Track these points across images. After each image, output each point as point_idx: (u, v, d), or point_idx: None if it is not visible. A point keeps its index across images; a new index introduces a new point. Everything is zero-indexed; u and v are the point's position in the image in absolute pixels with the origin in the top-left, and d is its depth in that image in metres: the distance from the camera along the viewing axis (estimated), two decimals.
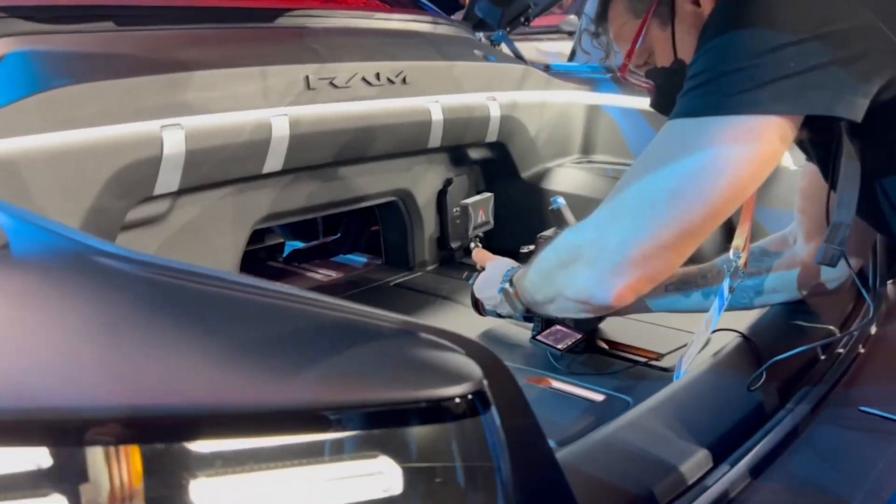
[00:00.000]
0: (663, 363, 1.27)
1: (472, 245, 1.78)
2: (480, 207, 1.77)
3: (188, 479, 0.49)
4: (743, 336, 1.14)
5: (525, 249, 1.35)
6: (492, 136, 1.79)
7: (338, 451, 0.51)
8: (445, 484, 0.53)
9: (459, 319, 1.52)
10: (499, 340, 1.40)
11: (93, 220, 1.11)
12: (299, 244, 2.13)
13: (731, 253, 1.15)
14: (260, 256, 2.02)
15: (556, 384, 1.22)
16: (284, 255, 2.08)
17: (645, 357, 1.30)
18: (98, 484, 0.48)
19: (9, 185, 1.01)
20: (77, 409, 0.46)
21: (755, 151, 0.85)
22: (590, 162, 2.00)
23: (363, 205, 1.68)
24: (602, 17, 1.08)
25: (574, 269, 0.96)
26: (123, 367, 0.48)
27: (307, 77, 1.34)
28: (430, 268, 1.82)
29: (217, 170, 1.28)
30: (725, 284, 1.13)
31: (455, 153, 1.82)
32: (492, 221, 1.80)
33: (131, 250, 0.54)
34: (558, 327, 1.31)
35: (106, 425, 0.46)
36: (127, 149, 1.12)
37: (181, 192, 1.26)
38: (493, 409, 0.52)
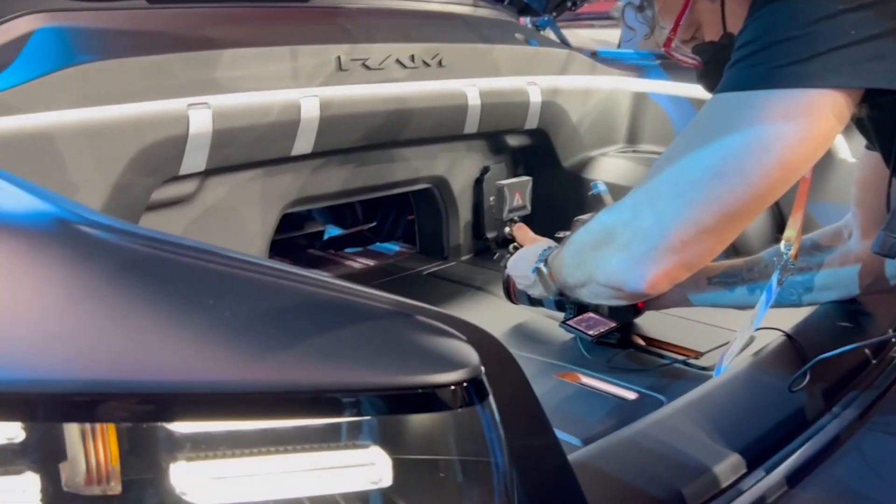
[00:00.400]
0: (702, 362, 1.21)
1: (507, 229, 1.73)
2: (517, 190, 1.71)
3: (168, 462, 0.46)
4: (786, 335, 1.07)
5: (561, 234, 1.30)
6: (532, 123, 1.74)
7: (325, 439, 0.48)
8: (439, 478, 0.49)
9: (491, 311, 1.47)
10: (529, 332, 1.35)
11: (117, 197, 1.10)
12: (338, 230, 2.13)
13: (781, 244, 1.08)
14: (300, 243, 2.01)
15: (587, 380, 1.16)
16: (324, 239, 2.07)
17: (683, 355, 1.23)
18: (73, 462, 0.46)
19: (32, 160, 1.01)
20: (51, 382, 0.43)
21: (806, 129, 0.78)
22: (635, 152, 1.93)
23: (396, 191, 1.65)
24: None
25: (606, 252, 0.91)
26: (100, 341, 0.45)
27: (339, 58, 1.31)
28: (464, 257, 1.78)
29: (245, 150, 1.26)
30: (774, 278, 1.06)
31: (493, 140, 1.77)
32: (528, 206, 1.74)
33: (114, 218, 0.52)
34: (591, 315, 1.26)
35: (80, 402, 0.44)
36: (152, 127, 1.11)
37: (209, 173, 1.25)
38: (491, 400, 0.48)
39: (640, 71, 1.95)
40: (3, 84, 0.99)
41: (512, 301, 1.32)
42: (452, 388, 0.46)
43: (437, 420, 0.47)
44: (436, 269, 1.73)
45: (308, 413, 0.45)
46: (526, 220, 1.76)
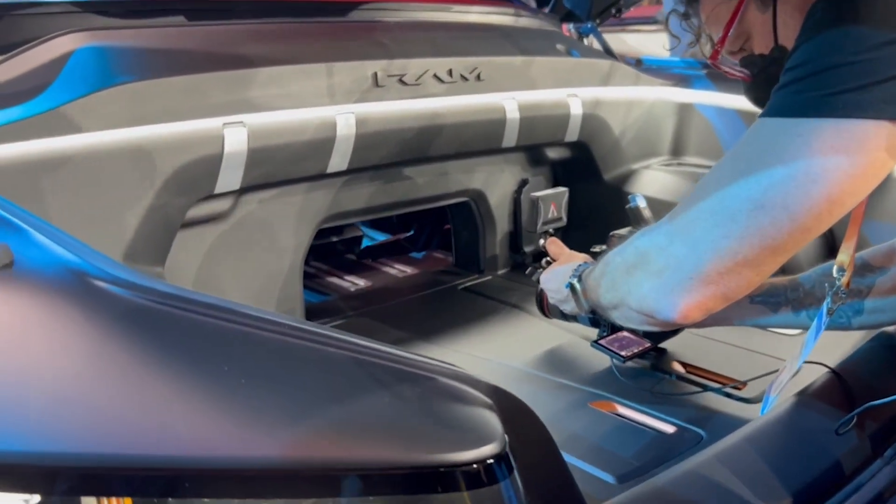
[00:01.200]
0: (745, 393, 1.16)
1: (542, 241, 1.70)
2: (552, 202, 1.68)
3: None
4: (833, 371, 1.02)
5: (597, 248, 1.27)
6: (572, 135, 1.70)
7: None
8: None
9: (525, 330, 1.45)
10: (563, 355, 1.32)
11: (152, 216, 1.10)
12: (376, 234, 2.12)
13: (834, 269, 1.02)
14: (338, 249, 2.02)
15: (623, 410, 1.13)
16: (361, 246, 2.07)
17: (724, 384, 1.19)
18: None
19: (69, 180, 1.01)
20: (69, 456, 0.42)
21: (858, 163, 0.74)
22: (679, 164, 1.87)
23: (433, 205, 1.63)
24: None
25: (638, 277, 0.88)
26: (118, 411, 0.44)
27: (375, 74, 1.30)
28: (500, 271, 1.76)
29: (280, 169, 1.25)
30: (825, 307, 1.01)
31: (532, 152, 1.74)
32: (564, 218, 1.71)
33: (134, 272, 0.51)
34: (625, 334, 1.23)
35: (97, 476, 0.43)
36: (188, 146, 1.11)
37: (243, 191, 1.24)
38: (516, 474, 0.46)
39: (686, 80, 1.89)
40: (43, 106, 1.00)
41: (545, 315, 1.30)
42: (475, 466, 0.44)
43: (460, 499, 0.45)
44: (471, 283, 1.71)
45: (323, 493, 0.44)
46: (562, 232, 1.72)
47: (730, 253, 0.79)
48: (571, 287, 1.08)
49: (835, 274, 1.02)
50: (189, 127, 1.10)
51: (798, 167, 0.75)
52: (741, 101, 1.78)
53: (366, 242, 2.11)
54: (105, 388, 0.45)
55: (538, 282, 1.24)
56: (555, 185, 1.81)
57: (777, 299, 1.12)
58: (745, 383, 1.18)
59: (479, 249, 1.73)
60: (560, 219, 1.70)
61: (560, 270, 1.16)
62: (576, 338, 1.36)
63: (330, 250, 1.98)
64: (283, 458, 0.43)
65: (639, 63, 2.06)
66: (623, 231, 1.34)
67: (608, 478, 0.97)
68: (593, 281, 1.02)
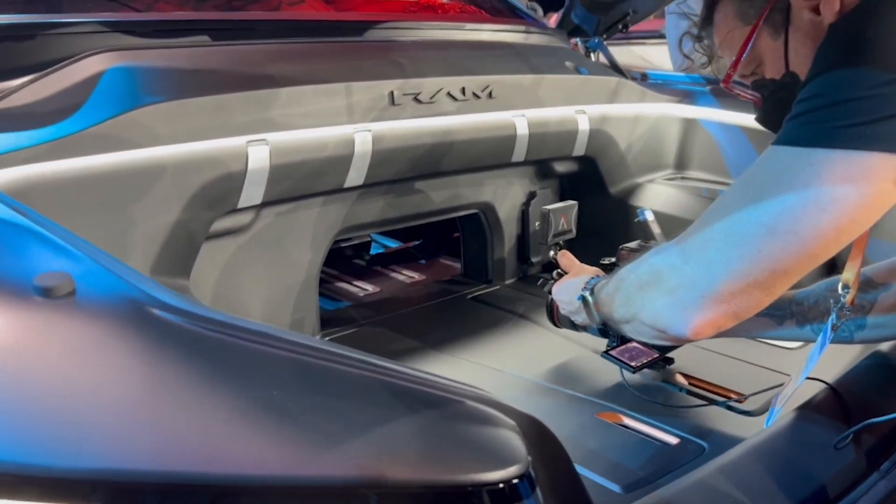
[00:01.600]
0: (746, 406, 1.21)
1: (552, 253, 1.74)
2: (562, 215, 1.73)
3: None
4: (831, 388, 1.06)
5: (606, 261, 1.30)
6: (580, 150, 1.75)
7: None
8: None
9: (533, 340, 1.49)
10: (570, 366, 1.37)
11: (178, 230, 1.14)
12: (385, 240, 2.17)
13: (839, 287, 1.06)
14: (347, 254, 2.06)
15: (628, 421, 1.17)
16: (370, 252, 2.12)
17: (726, 397, 1.23)
18: None
19: (102, 198, 1.06)
20: (130, 473, 0.46)
21: (866, 193, 0.77)
22: (683, 178, 1.92)
23: (444, 217, 1.68)
24: (707, 20, 1.00)
25: (651, 294, 0.91)
26: (175, 433, 0.48)
27: (391, 93, 1.34)
28: (508, 281, 1.80)
29: (300, 184, 1.30)
30: (829, 324, 1.04)
31: (540, 166, 1.78)
32: (574, 230, 1.76)
33: (188, 300, 0.55)
34: (634, 345, 1.26)
35: (157, 491, 0.47)
36: (214, 164, 1.15)
37: (264, 205, 1.29)
38: (538, 494, 0.50)
39: (690, 97, 1.93)
40: (77, 126, 1.04)
41: (555, 324, 1.33)
42: (501, 485, 0.48)
43: None
44: (479, 292, 1.75)
45: None
46: (571, 246, 1.77)
47: (741, 274, 0.82)
48: (583, 300, 1.10)
49: (840, 291, 1.05)
50: (215, 145, 1.15)
51: (808, 195, 0.77)
52: (744, 118, 1.83)
53: (375, 248, 2.16)
54: (161, 409, 0.49)
55: (550, 292, 1.28)
56: (562, 197, 1.85)
57: (782, 312, 1.15)
58: (746, 397, 1.22)
59: (488, 260, 1.78)
60: (570, 231, 1.74)
61: (572, 283, 1.18)
62: (582, 349, 1.41)
63: (339, 256, 2.02)
64: (324, 477, 0.47)
65: (644, 77, 2.11)
66: (632, 244, 1.38)
67: (615, 487, 1.01)
68: (606, 295, 1.05)
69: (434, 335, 1.50)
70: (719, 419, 1.18)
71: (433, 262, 2.05)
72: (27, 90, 1.10)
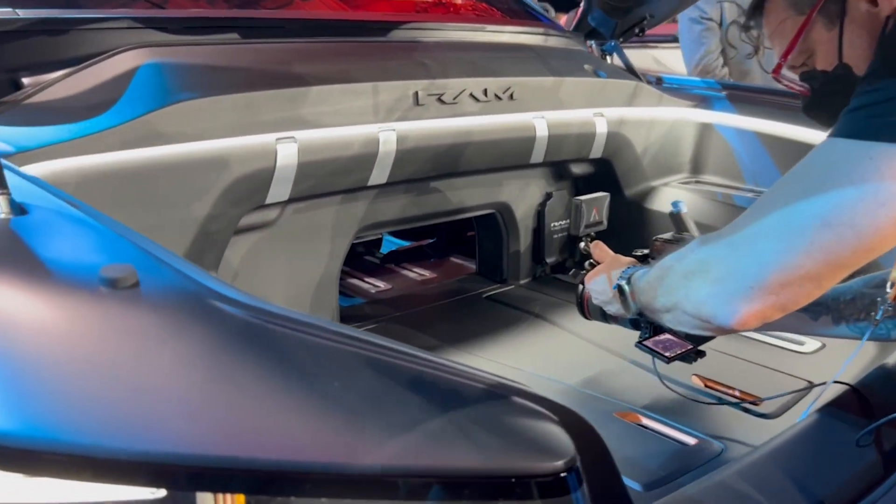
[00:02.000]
0: (762, 408, 1.23)
1: (583, 244, 1.76)
2: (594, 206, 1.74)
3: None
4: (852, 388, 1.08)
5: (639, 252, 1.27)
6: (597, 153, 1.76)
7: None
8: None
9: (548, 340, 1.51)
10: (587, 366, 1.38)
11: (209, 225, 1.16)
12: (396, 239, 2.18)
13: (888, 285, 1.04)
14: (358, 251, 2.08)
15: (646, 421, 1.19)
16: (382, 249, 2.13)
17: (743, 399, 1.25)
18: None
19: (136, 192, 1.07)
20: (191, 457, 0.48)
21: None
22: (698, 182, 1.93)
23: (462, 216, 1.70)
24: (757, 9, 0.98)
25: (696, 283, 0.89)
26: (234, 420, 0.50)
27: (416, 93, 1.36)
28: (522, 281, 1.82)
29: (325, 181, 1.32)
30: (879, 314, 1.04)
31: (557, 168, 1.80)
32: (605, 222, 1.78)
33: (245, 294, 0.57)
34: (668, 336, 1.26)
35: (215, 475, 0.49)
36: (244, 160, 1.17)
37: (290, 201, 1.31)
38: (585, 488, 0.52)
39: (706, 101, 1.95)
40: (113, 121, 1.06)
41: (585, 316, 1.31)
42: (552, 477, 0.50)
43: None
44: (494, 292, 1.77)
45: (414, 497, 0.49)
46: (598, 236, 1.77)
47: (793, 266, 0.80)
48: (619, 289, 1.08)
49: (888, 289, 1.03)
50: (245, 142, 1.16)
51: (867, 189, 0.76)
52: (760, 124, 1.84)
53: (385, 246, 2.17)
54: (224, 397, 0.51)
55: (582, 283, 1.25)
56: None
57: (818, 307, 1.14)
58: (762, 400, 1.24)
59: (503, 259, 1.80)
60: (601, 222, 1.76)
61: (608, 272, 1.16)
62: (600, 350, 1.42)
63: (351, 252, 2.03)
64: (382, 465, 0.49)
65: (659, 81, 2.12)
66: (666, 235, 1.37)
67: (635, 486, 1.03)
68: (646, 284, 1.03)
69: (452, 333, 1.52)
70: (735, 421, 1.20)
71: (444, 260, 2.07)
72: (63, 84, 1.12)
